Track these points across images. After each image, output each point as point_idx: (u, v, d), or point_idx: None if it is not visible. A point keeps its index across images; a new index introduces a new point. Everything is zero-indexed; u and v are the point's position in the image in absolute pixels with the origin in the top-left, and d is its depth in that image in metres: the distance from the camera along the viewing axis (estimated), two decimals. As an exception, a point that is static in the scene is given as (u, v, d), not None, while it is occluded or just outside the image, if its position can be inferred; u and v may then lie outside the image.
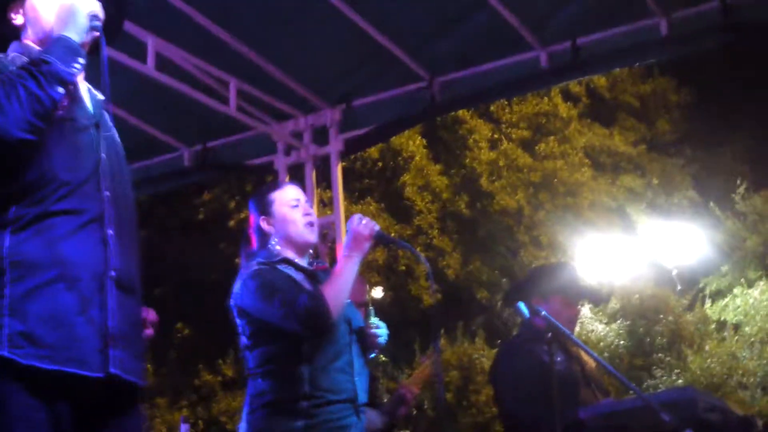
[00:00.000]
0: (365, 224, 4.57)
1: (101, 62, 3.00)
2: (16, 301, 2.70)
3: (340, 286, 4.44)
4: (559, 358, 5.36)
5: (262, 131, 8.33)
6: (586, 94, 24.92)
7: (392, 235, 20.90)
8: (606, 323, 21.83)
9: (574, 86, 23.98)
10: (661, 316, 21.42)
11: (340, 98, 8.14)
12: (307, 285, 4.51)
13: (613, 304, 21.99)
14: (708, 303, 22.34)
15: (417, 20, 7.26)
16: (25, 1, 3.10)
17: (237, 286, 4.54)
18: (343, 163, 8.53)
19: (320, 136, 8.34)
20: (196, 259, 20.64)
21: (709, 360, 20.41)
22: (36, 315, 2.70)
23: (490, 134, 23.14)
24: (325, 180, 8.48)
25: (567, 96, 24.34)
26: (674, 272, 22.76)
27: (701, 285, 22.75)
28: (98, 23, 2.99)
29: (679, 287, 22.71)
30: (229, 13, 6.97)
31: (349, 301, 4.62)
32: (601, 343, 21.08)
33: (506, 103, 22.97)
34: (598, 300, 19.49)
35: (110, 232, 2.90)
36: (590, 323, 21.68)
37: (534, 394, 5.22)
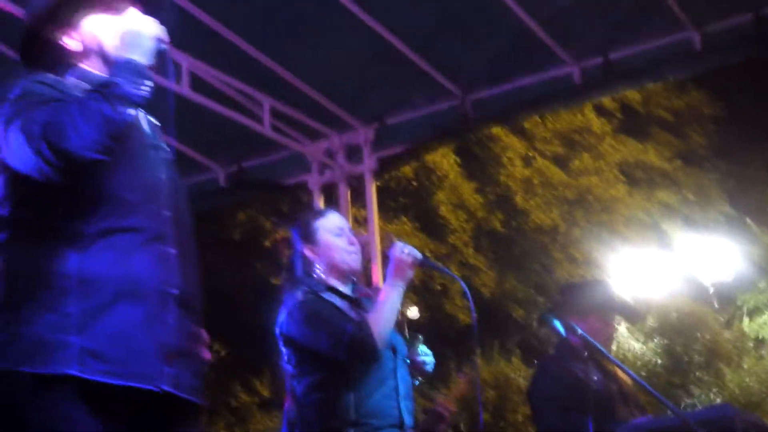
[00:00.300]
0: (408, 253, 4.61)
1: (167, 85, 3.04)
2: (82, 319, 2.71)
3: (385, 315, 4.48)
4: (595, 377, 5.36)
5: (296, 150, 8.36)
6: (620, 109, 24.81)
7: (427, 254, 20.90)
8: (643, 342, 21.68)
9: (608, 101, 23.88)
10: (699, 333, 21.26)
11: (373, 117, 8.16)
12: (351, 313, 4.56)
13: (650, 322, 21.85)
14: (746, 320, 22.16)
15: (448, 38, 7.27)
16: (81, 26, 3.11)
17: (283, 316, 4.58)
18: (378, 182, 8.54)
19: (354, 155, 8.36)
20: (232, 278, 20.67)
21: (747, 378, 20.24)
22: (102, 332, 2.71)
23: (524, 151, 23.08)
24: (359, 199, 8.49)
25: (601, 111, 24.25)
26: (711, 289, 22.59)
27: (738, 302, 22.57)
28: (164, 46, 3.02)
29: (716, 304, 22.53)
30: (262, 33, 7.01)
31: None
32: (639, 362, 20.93)
33: (540, 119, 22.91)
34: (634, 318, 19.39)
35: (172, 251, 2.93)
36: (627, 342, 21.53)
37: (571, 412, 5.21)
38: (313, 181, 8.45)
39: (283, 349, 4.62)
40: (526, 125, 22.90)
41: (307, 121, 8.13)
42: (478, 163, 23.09)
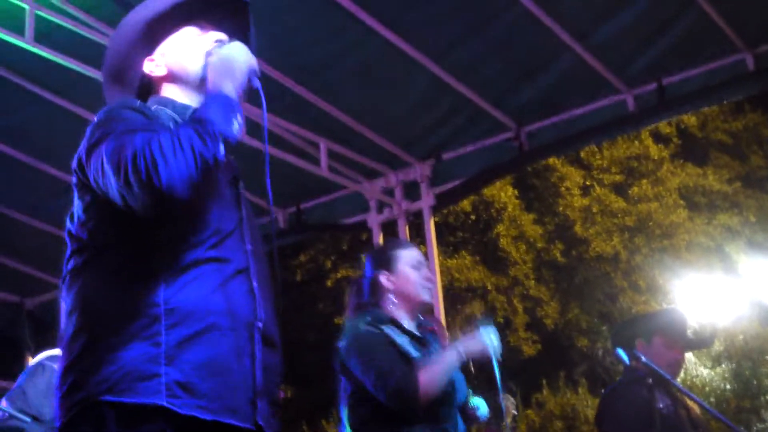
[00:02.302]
0: (486, 341, 4.58)
1: (262, 121, 2.99)
2: (172, 349, 2.64)
3: (436, 375, 4.45)
4: (662, 404, 5.33)
5: (353, 190, 8.42)
6: (677, 134, 24.68)
7: (488, 287, 20.86)
8: (710, 367, 21.45)
9: (665, 127, 23.77)
10: (767, 356, 21.01)
11: (428, 153, 8.20)
12: (411, 348, 4.57)
13: (717, 347, 21.61)
14: (813, 341, 21.87)
15: (500, 71, 7.31)
16: (168, 47, 3.09)
17: (343, 344, 4.61)
18: (436, 218, 8.57)
19: (411, 191, 8.40)
20: (295, 319, 20.76)
21: (817, 399, 19.97)
22: (192, 363, 2.65)
23: (581, 180, 23.02)
24: (418, 235, 8.53)
25: (658, 137, 24.14)
26: (777, 310, 22.33)
27: (806, 322, 22.29)
28: (257, 81, 2.97)
29: (782, 325, 22.26)
30: (315, 75, 7.09)
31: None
32: (707, 388, 20.70)
33: (596, 148, 22.85)
34: (703, 346, 19.19)
35: (255, 284, 2.88)
36: (694, 368, 21.32)
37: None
38: (372, 219, 8.50)
39: (340, 376, 4.65)
40: (583, 154, 22.86)
41: (363, 160, 8.20)
42: (536, 194, 23.05)
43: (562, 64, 7.19)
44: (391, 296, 4.75)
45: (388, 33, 6.79)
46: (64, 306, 2.86)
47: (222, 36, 3.10)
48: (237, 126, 2.79)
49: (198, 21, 3.15)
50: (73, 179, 2.90)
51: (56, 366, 4.91)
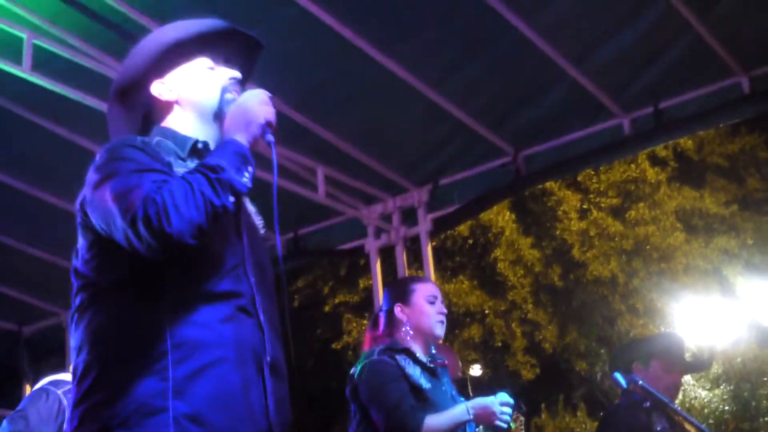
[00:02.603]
0: (497, 411, 4.59)
1: (273, 172, 2.98)
2: (180, 383, 2.66)
3: (441, 426, 4.53)
4: (660, 427, 5.35)
5: (351, 215, 8.43)
6: (674, 158, 24.71)
7: (486, 311, 20.85)
8: (709, 389, 21.44)
9: (661, 150, 23.80)
10: (766, 378, 20.99)
11: (426, 178, 8.21)
12: (422, 380, 4.67)
13: (716, 369, 21.59)
14: (812, 363, 21.86)
15: (497, 95, 7.33)
16: (180, 76, 3.10)
17: (357, 370, 4.72)
18: (434, 243, 8.58)
19: (409, 216, 8.41)
20: (293, 345, 20.77)
21: (817, 421, 19.94)
22: (201, 396, 2.67)
23: (578, 204, 23.03)
24: (416, 260, 8.54)
25: (654, 160, 24.17)
26: (776, 332, 22.32)
27: (804, 344, 22.28)
28: (271, 136, 2.98)
29: (781, 347, 22.24)
30: (312, 100, 7.10)
31: (449, 383, 4.74)
32: (705, 410, 20.69)
33: (593, 172, 22.88)
34: (701, 369, 19.17)
35: (262, 317, 2.89)
36: (693, 390, 21.31)
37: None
38: (370, 244, 8.51)
39: (351, 403, 4.74)
40: (580, 178, 22.89)
41: (360, 186, 8.21)
42: (534, 218, 23.07)
43: (558, 88, 7.21)
44: (406, 328, 4.86)
45: (386, 59, 6.81)
46: (72, 342, 2.88)
47: (236, 74, 3.13)
48: (248, 177, 2.81)
49: (211, 52, 3.16)
50: (78, 218, 2.92)
51: (59, 392, 4.90)
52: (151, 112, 3.13)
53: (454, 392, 4.86)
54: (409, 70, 6.95)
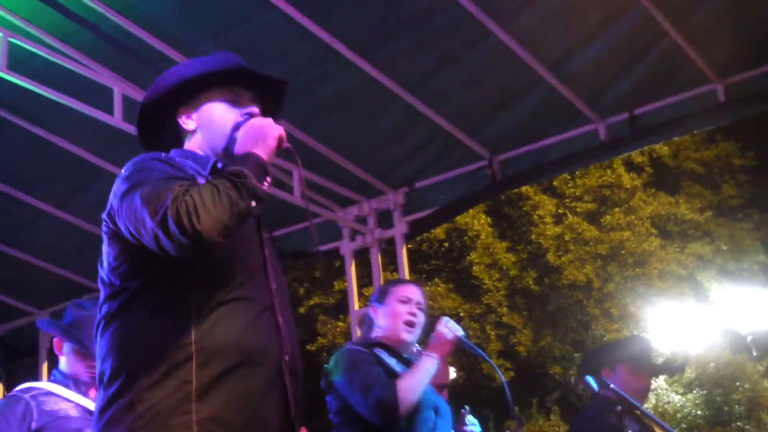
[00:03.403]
0: (450, 328, 4.73)
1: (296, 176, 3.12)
2: (203, 387, 2.76)
3: (414, 383, 4.55)
4: (631, 429, 5.37)
5: (327, 218, 8.43)
6: (650, 164, 24.83)
7: (461, 314, 20.89)
8: (682, 393, 21.53)
9: (637, 156, 23.93)
10: (738, 383, 21.09)
11: (402, 181, 8.22)
12: (399, 370, 4.65)
13: (689, 374, 21.69)
14: (786, 368, 21.98)
15: (474, 101, 7.34)
16: (201, 107, 3.22)
17: (331, 362, 4.73)
18: (410, 245, 8.59)
19: (385, 219, 8.42)
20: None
21: (788, 426, 20.04)
22: (223, 399, 2.77)
23: (554, 209, 23.11)
24: (392, 263, 8.54)
25: (630, 166, 24.27)
26: (749, 338, 22.41)
27: (777, 350, 22.39)
28: (288, 146, 3.12)
29: (754, 353, 22.34)
30: (290, 104, 7.07)
31: (430, 388, 4.73)
32: (678, 414, 20.78)
33: (569, 176, 22.95)
34: (670, 372, 19.25)
35: (280, 320, 3.00)
36: (666, 394, 21.40)
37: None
38: (345, 247, 8.52)
39: (327, 396, 4.73)
40: (556, 183, 22.96)
41: (336, 188, 8.21)
42: (510, 223, 23.13)
43: (535, 94, 7.24)
44: (379, 329, 4.87)
45: (364, 63, 6.83)
46: (97, 350, 2.97)
47: (255, 110, 3.23)
48: (267, 186, 2.92)
49: (234, 85, 3.27)
50: (104, 228, 3.01)
51: (27, 396, 4.87)
52: (173, 136, 3.27)
53: (430, 388, 4.84)
54: (387, 74, 6.97)
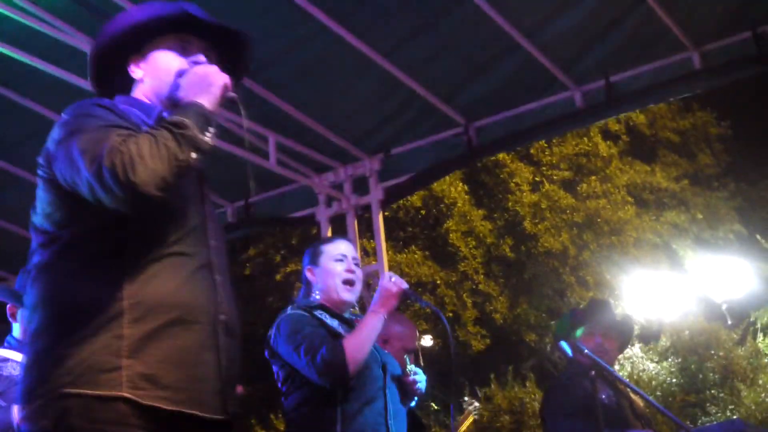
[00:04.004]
0: (394, 281, 4.70)
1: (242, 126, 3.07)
2: (136, 343, 2.69)
3: (361, 340, 4.53)
4: (604, 393, 5.42)
5: (302, 184, 8.41)
6: (626, 132, 24.87)
7: (437, 282, 20.93)
8: (657, 361, 21.62)
9: (614, 124, 23.95)
10: (713, 351, 21.18)
11: (378, 147, 8.21)
12: (341, 330, 4.62)
13: (664, 342, 21.79)
14: (760, 336, 22.08)
15: (450, 67, 7.33)
16: (149, 56, 3.17)
17: (272, 330, 4.68)
18: (386, 213, 8.58)
19: (361, 186, 8.41)
20: (244, 313, 20.72)
21: (763, 394, 20.14)
22: (156, 356, 2.71)
23: (531, 177, 23.12)
24: (368, 230, 8.54)
25: (607, 135, 24.31)
26: (724, 307, 22.53)
27: (752, 318, 22.50)
28: (233, 95, 3.04)
29: (729, 321, 22.46)
30: (265, 69, 7.06)
31: (377, 346, 4.71)
32: (653, 382, 20.86)
33: (546, 144, 22.97)
34: (643, 337, 19.35)
35: (218, 278, 2.95)
36: (641, 362, 21.48)
37: (583, 428, 5.25)
38: (321, 213, 8.50)
39: (272, 365, 4.70)
40: (533, 151, 22.98)
41: (312, 154, 8.19)
42: (486, 190, 23.14)
43: (511, 61, 7.23)
44: (317, 292, 4.82)
45: (339, 28, 6.80)
46: (27, 301, 2.90)
47: (200, 59, 3.16)
48: (210, 137, 2.85)
49: (188, 33, 3.22)
50: (40, 172, 2.94)
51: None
52: (122, 83, 3.20)
53: (377, 346, 4.80)
54: (363, 39, 6.94)
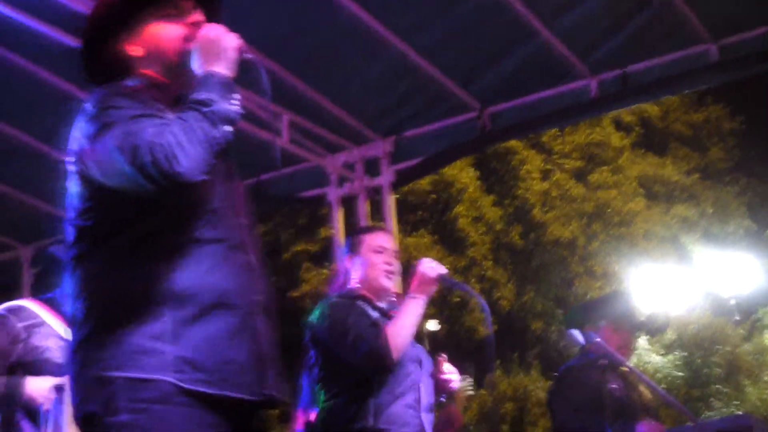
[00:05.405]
0: (432, 267, 4.72)
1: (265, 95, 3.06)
2: (177, 328, 2.73)
3: (403, 327, 4.57)
4: (614, 384, 5.40)
5: (314, 163, 8.39)
6: (639, 124, 24.84)
7: (445, 266, 20.91)
8: (662, 354, 21.64)
9: (627, 115, 23.91)
10: (718, 346, 21.20)
11: (391, 130, 8.18)
12: (381, 323, 4.64)
13: (669, 335, 21.80)
14: (766, 333, 22.08)
15: (466, 51, 7.30)
16: (143, 30, 3.08)
17: (314, 316, 4.71)
18: (396, 196, 8.56)
19: (372, 167, 8.39)
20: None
21: (767, 390, 20.16)
22: (197, 340, 2.74)
23: (542, 165, 23.11)
24: (378, 212, 8.51)
25: (619, 125, 24.28)
26: (730, 303, 22.50)
27: (759, 314, 22.49)
28: (249, 56, 3.00)
29: (736, 317, 22.45)
30: (281, 48, 7.04)
31: (412, 341, 4.73)
32: (658, 374, 20.89)
33: (558, 133, 22.94)
34: (652, 328, 19.33)
35: (252, 258, 2.97)
36: (647, 355, 21.50)
37: (591, 420, 5.25)
38: (332, 193, 8.47)
39: (311, 351, 4.73)
40: (544, 139, 22.96)
41: (325, 134, 8.17)
42: (497, 177, 23.13)
43: (527, 47, 7.19)
44: (357, 280, 4.88)
45: (357, 8, 6.77)
46: (68, 289, 2.92)
47: (198, 17, 3.10)
48: (236, 103, 2.84)
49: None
50: (71, 167, 2.93)
51: (20, 325, 4.82)
52: (125, 70, 3.11)
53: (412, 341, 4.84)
54: (380, 20, 6.91)
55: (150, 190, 2.67)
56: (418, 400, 4.66)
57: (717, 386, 20.72)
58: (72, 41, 6.23)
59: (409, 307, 4.63)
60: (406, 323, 4.57)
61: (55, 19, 6.22)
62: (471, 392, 6.89)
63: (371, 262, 4.87)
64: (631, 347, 5.95)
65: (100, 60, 3.15)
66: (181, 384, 2.70)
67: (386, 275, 4.87)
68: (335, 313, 4.64)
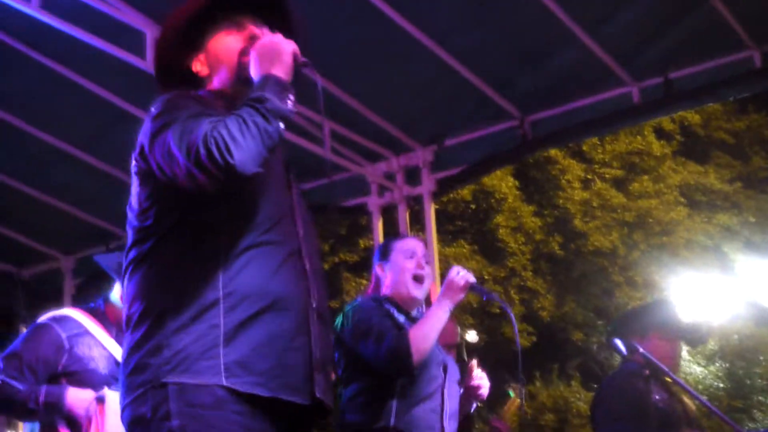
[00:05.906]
0: (462, 275, 4.72)
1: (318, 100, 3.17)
2: (231, 331, 2.78)
3: (426, 331, 4.56)
4: (658, 395, 5.34)
5: (355, 173, 8.38)
6: (680, 132, 24.70)
7: (485, 277, 20.88)
8: (704, 365, 21.49)
9: (668, 124, 23.78)
10: (761, 357, 21.02)
11: (431, 138, 8.16)
12: (408, 324, 4.64)
13: (711, 346, 21.65)
14: (810, 344, 21.89)
15: (507, 58, 7.26)
16: (207, 47, 3.23)
17: (339, 317, 4.72)
18: (436, 205, 8.53)
19: (413, 176, 8.37)
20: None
21: (811, 401, 20.00)
22: (250, 344, 2.79)
23: (582, 174, 23.02)
24: (418, 221, 8.49)
25: (660, 134, 24.15)
26: (775, 311, 22.33)
27: (802, 324, 22.30)
28: (305, 60, 3.11)
29: (781, 327, 22.27)
30: (321, 56, 7.02)
31: (439, 347, 4.72)
32: (700, 386, 20.75)
33: (598, 142, 22.85)
34: (696, 338, 19.19)
35: (307, 265, 3.01)
36: (688, 366, 21.35)
37: (634, 430, 5.19)
38: (373, 202, 8.46)
39: (336, 351, 4.71)
40: (584, 147, 22.87)
41: (366, 143, 8.16)
42: (537, 186, 23.06)
43: (569, 54, 7.15)
44: (386, 286, 4.89)
45: (397, 16, 6.75)
46: (124, 293, 3.00)
47: (254, 31, 3.22)
48: (291, 104, 2.94)
49: (237, 16, 3.26)
50: (134, 168, 3.03)
51: (64, 335, 4.81)
52: (193, 82, 3.25)
53: (438, 347, 4.82)
54: (420, 28, 6.89)
55: (205, 183, 2.75)
56: (441, 405, 4.66)
57: (760, 398, 20.55)
58: (113, 50, 6.27)
59: (434, 311, 4.64)
60: (430, 327, 4.57)
61: (97, 29, 6.25)
62: (519, 402, 6.85)
63: (401, 267, 4.88)
64: (678, 356, 5.88)
65: (171, 79, 3.27)
66: (236, 388, 2.75)
67: (416, 281, 4.86)
68: (359, 314, 4.66)
